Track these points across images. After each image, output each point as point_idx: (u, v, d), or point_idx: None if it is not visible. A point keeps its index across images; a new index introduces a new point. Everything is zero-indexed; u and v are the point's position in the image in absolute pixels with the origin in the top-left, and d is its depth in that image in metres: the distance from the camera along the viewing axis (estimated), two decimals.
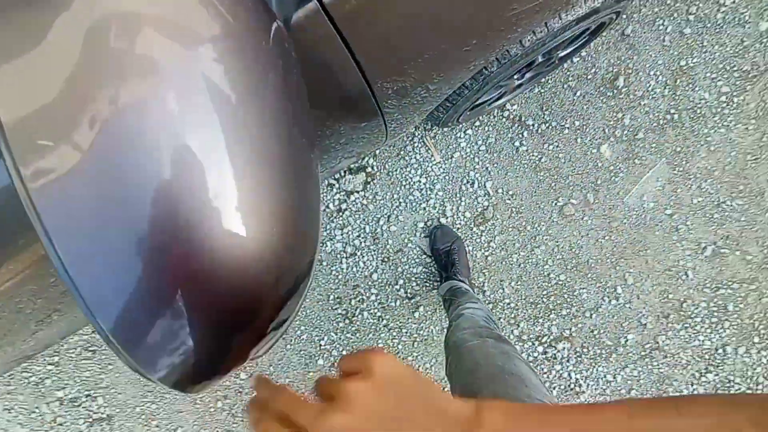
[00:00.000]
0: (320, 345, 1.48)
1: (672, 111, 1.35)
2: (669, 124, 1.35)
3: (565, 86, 1.35)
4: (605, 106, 1.35)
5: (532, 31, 0.81)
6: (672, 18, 1.30)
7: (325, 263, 1.44)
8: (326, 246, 1.44)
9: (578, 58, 1.33)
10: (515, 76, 1.06)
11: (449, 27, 0.59)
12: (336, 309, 1.47)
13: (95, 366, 1.51)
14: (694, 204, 1.38)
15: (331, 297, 1.46)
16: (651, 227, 1.39)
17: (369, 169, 1.41)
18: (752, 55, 1.31)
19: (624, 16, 1.29)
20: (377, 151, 1.40)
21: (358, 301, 1.46)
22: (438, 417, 0.28)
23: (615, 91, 1.34)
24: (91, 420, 1.53)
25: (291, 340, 1.48)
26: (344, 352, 1.49)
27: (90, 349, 1.50)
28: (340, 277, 1.45)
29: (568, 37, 0.93)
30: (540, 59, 1.00)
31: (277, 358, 1.49)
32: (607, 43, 1.32)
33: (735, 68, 1.32)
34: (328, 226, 1.43)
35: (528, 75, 1.15)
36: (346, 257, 1.44)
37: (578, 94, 1.35)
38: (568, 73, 1.34)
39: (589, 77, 1.34)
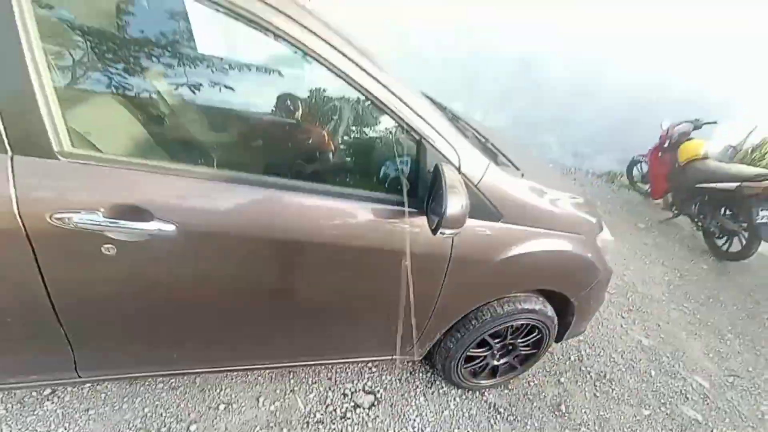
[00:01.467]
0: None
1: None
2: None
3: (525, 398, 1.90)
4: (555, 421, 1.83)
5: (510, 302, 1.61)
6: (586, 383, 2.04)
7: None
8: None
9: (531, 384, 1.97)
10: (496, 348, 1.71)
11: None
12: None
13: None
14: None
15: None
16: None
17: (377, 395, 1.75)
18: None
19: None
20: (387, 385, 1.80)
21: None
22: None
23: (560, 412, 1.86)
24: None
25: None
26: None
27: None
28: None
29: (527, 328, 1.69)
30: (509, 338, 1.71)
31: None
32: (543, 382, 2.00)
33: None
34: (329, 426, 1.58)
35: (502, 361, 1.79)
36: None
37: (534, 405, 1.87)
38: (527, 390, 1.94)
39: (540, 397, 1.91)
